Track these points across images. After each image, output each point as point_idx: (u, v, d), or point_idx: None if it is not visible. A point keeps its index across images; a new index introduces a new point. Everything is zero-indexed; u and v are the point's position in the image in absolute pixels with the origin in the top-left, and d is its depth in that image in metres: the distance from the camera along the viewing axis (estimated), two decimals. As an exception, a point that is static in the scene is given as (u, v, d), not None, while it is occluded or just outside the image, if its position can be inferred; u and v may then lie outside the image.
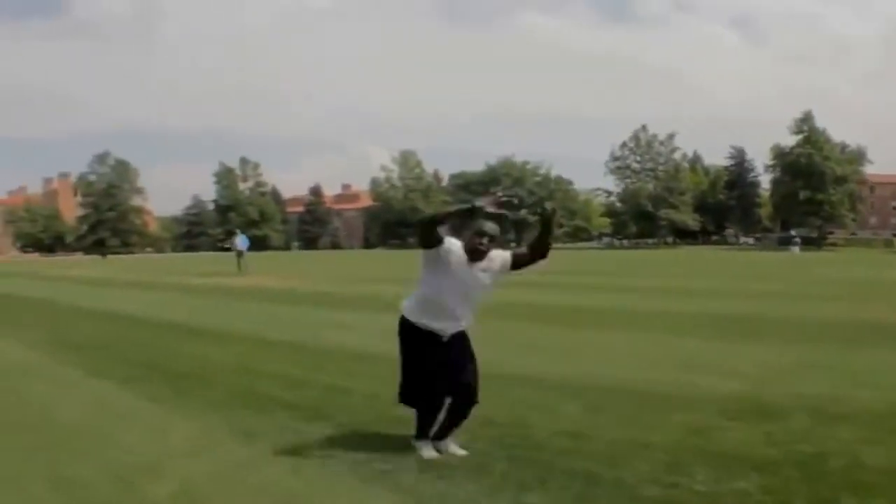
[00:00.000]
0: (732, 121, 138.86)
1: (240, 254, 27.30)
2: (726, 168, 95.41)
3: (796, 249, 56.36)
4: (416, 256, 4.18)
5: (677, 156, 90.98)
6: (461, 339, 3.99)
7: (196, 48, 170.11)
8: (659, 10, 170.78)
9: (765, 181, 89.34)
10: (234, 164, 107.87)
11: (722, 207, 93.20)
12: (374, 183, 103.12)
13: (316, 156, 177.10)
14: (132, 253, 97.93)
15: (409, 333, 3.96)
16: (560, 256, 42.31)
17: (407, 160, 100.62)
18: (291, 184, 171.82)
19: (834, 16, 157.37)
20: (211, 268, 31.17)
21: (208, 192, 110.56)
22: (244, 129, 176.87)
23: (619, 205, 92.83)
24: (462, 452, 3.98)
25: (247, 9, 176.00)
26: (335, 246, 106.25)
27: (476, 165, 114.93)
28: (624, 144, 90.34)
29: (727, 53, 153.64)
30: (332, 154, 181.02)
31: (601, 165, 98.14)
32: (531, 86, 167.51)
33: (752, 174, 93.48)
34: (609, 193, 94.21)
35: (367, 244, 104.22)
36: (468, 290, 3.89)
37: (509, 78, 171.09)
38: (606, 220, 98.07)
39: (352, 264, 38.45)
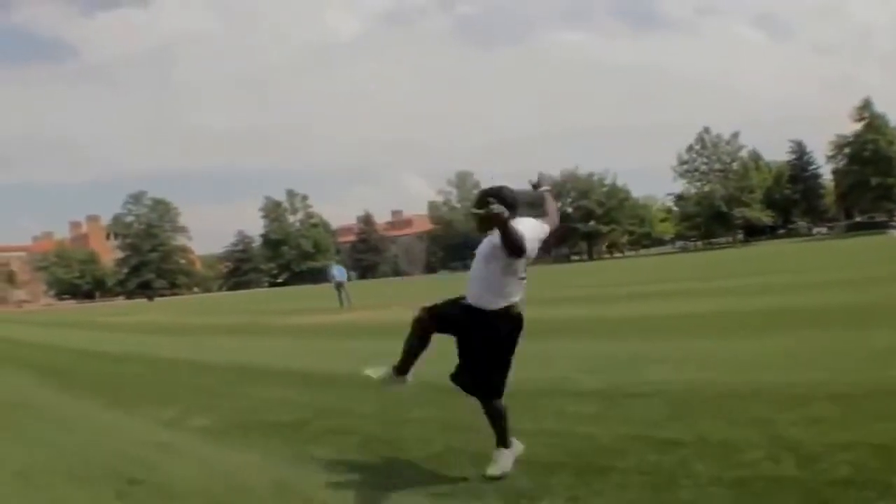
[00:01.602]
0: (773, 119, 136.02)
1: (339, 285, 24.80)
2: (788, 163, 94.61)
3: (894, 233, 57.38)
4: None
5: (743, 153, 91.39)
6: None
7: (216, 89, 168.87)
8: (683, 15, 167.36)
9: (825, 171, 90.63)
10: (275, 197, 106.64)
11: (787, 202, 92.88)
12: (432, 206, 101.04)
13: (350, 186, 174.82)
14: (178, 294, 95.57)
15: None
16: (676, 263, 39.06)
17: (464, 181, 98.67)
18: (332, 215, 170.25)
19: (856, 2, 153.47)
20: (303, 304, 28.68)
21: (248, 229, 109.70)
22: (270, 166, 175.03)
23: (677, 209, 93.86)
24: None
25: (268, 47, 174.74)
26: (396, 273, 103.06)
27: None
28: (690, 147, 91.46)
29: (756, 52, 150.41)
30: (370, 183, 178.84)
31: (649, 173, 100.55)
32: (566, 101, 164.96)
33: (813, 167, 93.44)
34: (680, 197, 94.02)
35: (429, 268, 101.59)
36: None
37: (542, 96, 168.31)
38: (668, 226, 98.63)
39: (449, 289, 32.95)
